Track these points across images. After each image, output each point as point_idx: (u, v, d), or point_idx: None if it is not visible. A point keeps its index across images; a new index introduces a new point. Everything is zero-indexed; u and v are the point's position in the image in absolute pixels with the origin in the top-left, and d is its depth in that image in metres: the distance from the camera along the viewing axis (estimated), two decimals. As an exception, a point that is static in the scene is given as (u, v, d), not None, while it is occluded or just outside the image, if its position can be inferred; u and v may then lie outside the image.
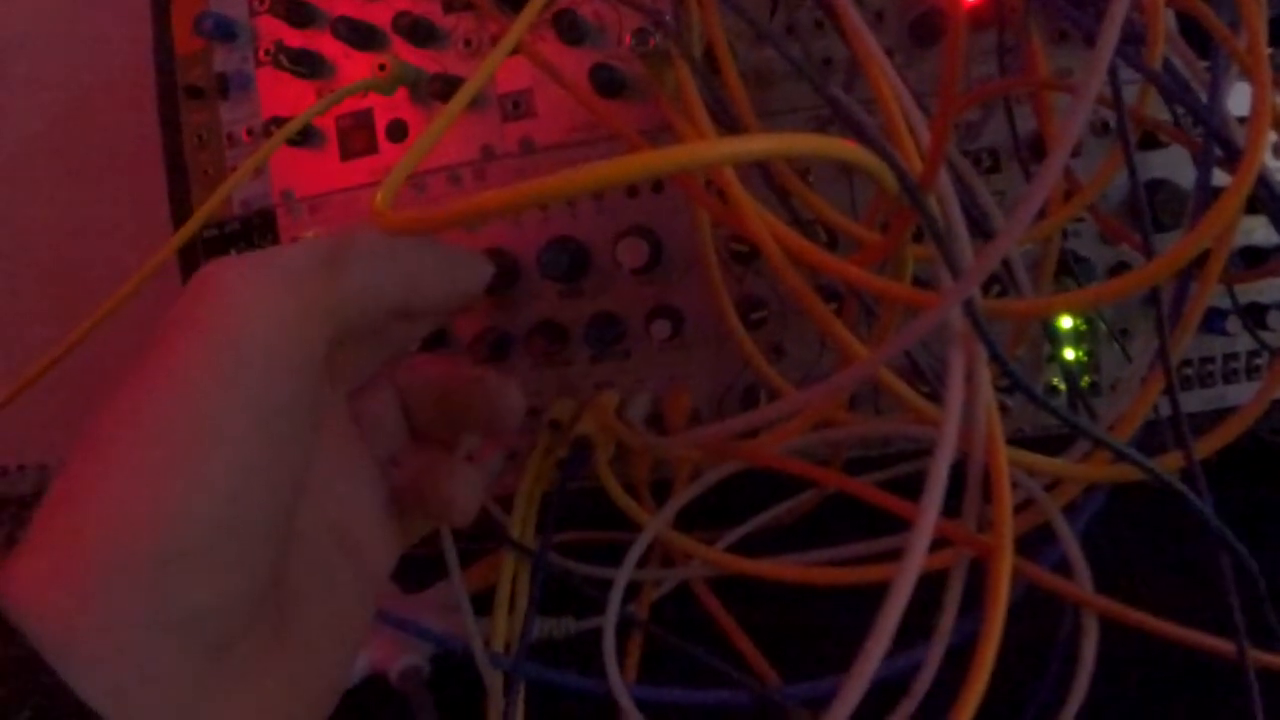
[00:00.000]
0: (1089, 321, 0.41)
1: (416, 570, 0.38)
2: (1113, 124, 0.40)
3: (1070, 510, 0.31)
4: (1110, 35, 0.26)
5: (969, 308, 0.25)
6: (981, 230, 0.32)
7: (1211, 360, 0.43)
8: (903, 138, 0.30)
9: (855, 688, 0.22)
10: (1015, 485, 0.30)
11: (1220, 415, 0.35)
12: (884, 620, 0.23)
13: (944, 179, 0.29)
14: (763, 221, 0.30)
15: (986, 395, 0.27)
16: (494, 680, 0.31)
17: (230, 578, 0.21)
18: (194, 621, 0.20)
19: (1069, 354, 0.40)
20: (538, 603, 0.32)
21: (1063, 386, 0.40)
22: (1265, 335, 0.41)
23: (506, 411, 0.28)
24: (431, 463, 0.28)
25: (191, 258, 0.47)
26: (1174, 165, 0.41)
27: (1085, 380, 0.41)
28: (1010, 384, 0.38)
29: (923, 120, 0.31)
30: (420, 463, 0.28)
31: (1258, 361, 0.43)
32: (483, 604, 0.34)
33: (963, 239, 0.27)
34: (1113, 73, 0.31)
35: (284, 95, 0.46)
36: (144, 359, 0.22)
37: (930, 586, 0.29)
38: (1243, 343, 0.42)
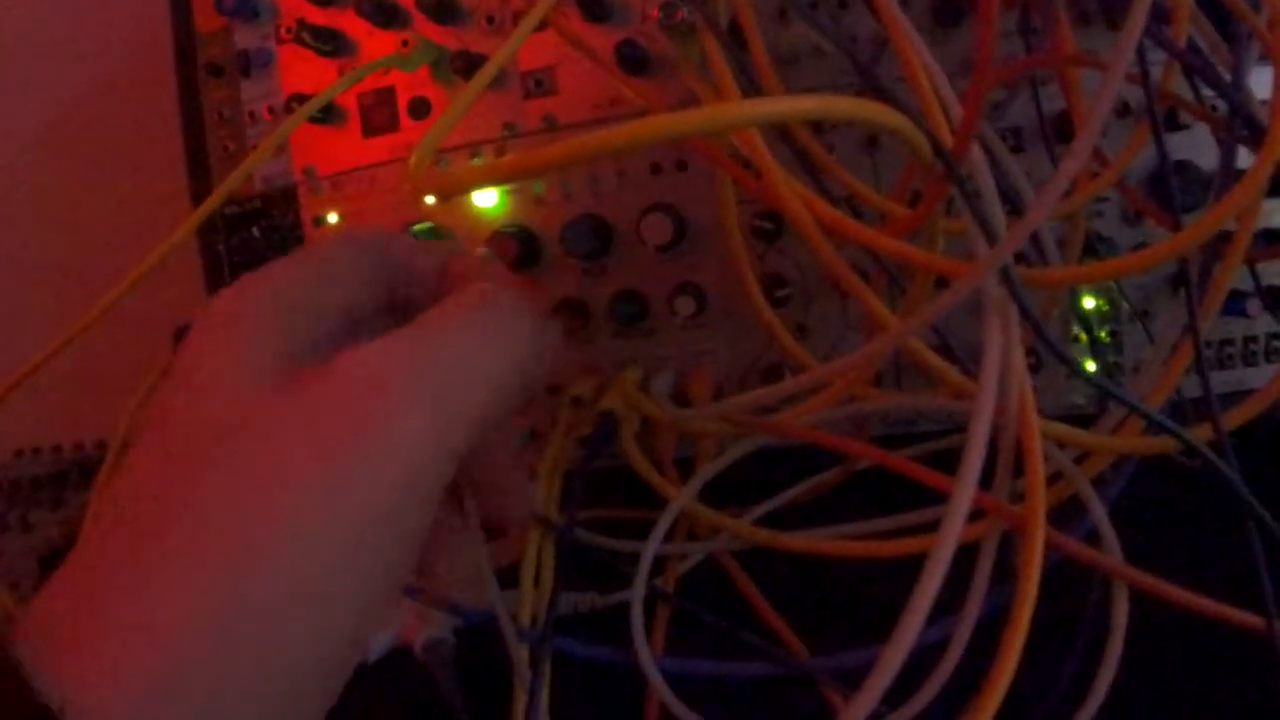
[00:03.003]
0: (1111, 303, 0.41)
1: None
2: (1134, 105, 0.40)
3: (1100, 483, 0.31)
4: (1140, 11, 0.26)
5: (1005, 275, 0.25)
6: (1012, 205, 0.32)
7: (1231, 343, 0.43)
8: (935, 111, 0.30)
9: (894, 658, 0.22)
10: (1046, 458, 0.30)
11: (1240, 398, 0.35)
12: (923, 590, 0.23)
13: (976, 151, 0.28)
14: (794, 191, 0.30)
15: (1020, 366, 0.26)
16: (520, 653, 0.31)
17: None
18: None
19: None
20: (564, 575, 0.32)
21: (1090, 365, 0.40)
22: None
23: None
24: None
25: (211, 235, 0.48)
26: (1196, 147, 0.40)
27: (1111, 360, 0.41)
28: (1037, 363, 0.39)
29: (952, 97, 0.31)
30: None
31: (1278, 344, 0.43)
32: (507, 580, 0.34)
33: (996, 209, 0.27)
34: (1140, 50, 0.31)
35: (305, 73, 0.46)
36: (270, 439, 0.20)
37: (959, 560, 0.29)
38: (1262, 325, 0.42)
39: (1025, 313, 0.25)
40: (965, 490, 0.22)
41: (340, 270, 0.25)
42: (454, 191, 0.25)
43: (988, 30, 0.27)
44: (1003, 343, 0.25)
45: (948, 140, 0.29)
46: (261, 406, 0.20)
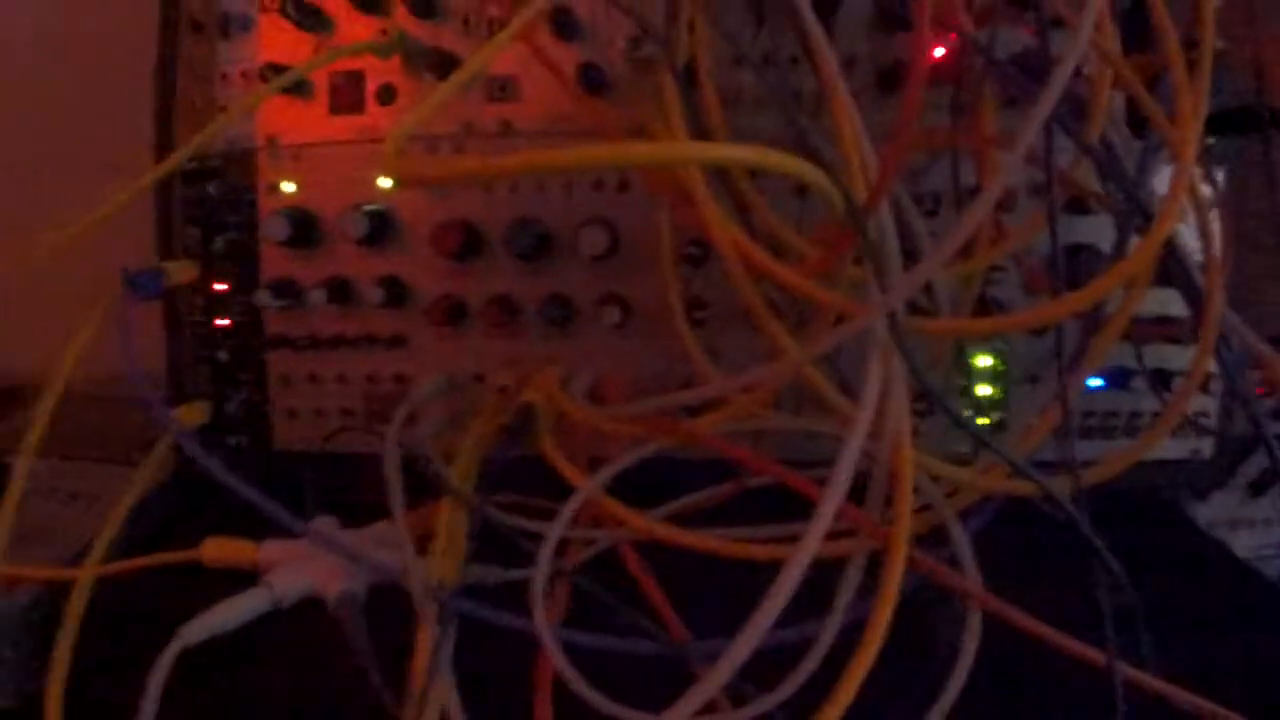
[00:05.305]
0: (1005, 362, 0.45)
1: (361, 512, 0.40)
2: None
3: (966, 515, 0.34)
4: (1046, 103, 0.30)
5: (892, 319, 0.28)
6: (913, 259, 0.36)
7: (1116, 415, 0.48)
8: (855, 169, 0.33)
9: (744, 647, 0.25)
10: (919, 489, 0.34)
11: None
12: (776, 592, 0.25)
13: (884, 209, 0.32)
14: (723, 225, 0.33)
15: (900, 402, 0.30)
16: (428, 613, 0.33)
17: None
18: None
19: (983, 390, 0.44)
20: (475, 544, 0.34)
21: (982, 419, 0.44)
22: (1166, 396, 0.45)
23: None
24: None
25: (167, 186, 0.49)
26: (1100, 231, 0.45)
27: (995, 417, 0.45)
28: (928, 408, 0.43)
29: (873, 158, 0.34)
30: None
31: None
32: (419, 549, 0.36)
33: (894, 260, 0.31)
34: (1048, 137, 0.35)
35: (282, 42, 0.48)
36: None
37: (835, 572, 0.32)
38: (1148, 402, 0.47)
39: (904, 354, 0.29)
40: (830, 502, 0.26)
41: None
42: (418, 181, 0.27)
43: (907, 110, 0.30)
44: (882, 378, 0.28)
45: (862, 196, 0.32)
46: None
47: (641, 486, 0.40)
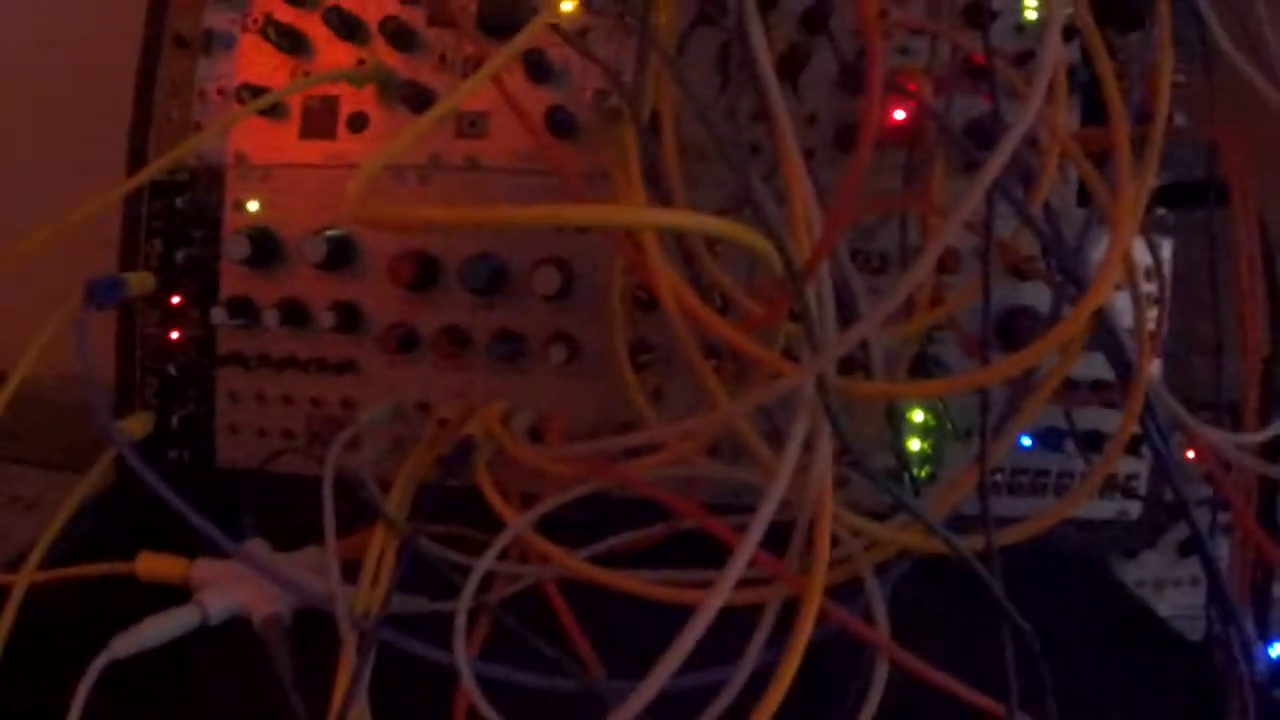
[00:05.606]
0: (939, 419, 0.47)
1: (292, 535, 0.41)
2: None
3: (882, 569, 0.35)
4: (991, 170, 0.30)
5: (820, 381, 0.29)
6: (852, 318, 0.37)
7: (1046, 474, 0.49)
8: (800, 229, 0.34)
9: (650, 687, 0.26)
10: (838, 542, 0.35)
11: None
12: (686, 634, 0.26)
13: (824, 271, 0.33)
14: (668, 277, 0.34)
15: (823, 458, 0.31)
16: (350, 639, 0.33)
17: None
18: None
19: (914, 444, 0.45)
20: (402, 574, 0.35)
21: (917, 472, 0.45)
22: (1093, 458, 0.46)
23: None
24: None
25: (137, 198, 0.49)
26: (1040, 297, 0.46)
27: (925, 470, 0.46)
28: (851, 461, 0.44)
29: (821, 219, 0.35)
30: None
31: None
32: (349, 574, 0.36)
33: (829, 323, 0.32)
34: (990, 204, 0.36)
35: (261, 64, 0.49)
36: None
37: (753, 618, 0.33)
38: (1079, 464, 0.48)
39: (827, 411, 0.29)
40: (744, 550, 0.26)
41: None
42: (380, 226, 0.28)
43: (852, 176, 0.32)
44: (806, 434, 0.29)
45: (805, 256, 0.33)
46: None
47: (578, 525, 0.41)
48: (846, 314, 0.35)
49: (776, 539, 0.34)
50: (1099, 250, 0.42)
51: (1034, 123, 0.41)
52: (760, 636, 0.32)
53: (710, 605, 0.26)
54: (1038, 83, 0.31)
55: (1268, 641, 0.50)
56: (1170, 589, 0.56)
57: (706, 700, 0.31)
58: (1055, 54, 0.33)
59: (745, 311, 0.36)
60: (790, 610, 0.31)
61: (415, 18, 0.48)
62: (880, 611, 0.34)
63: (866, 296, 0.38)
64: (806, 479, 0.31)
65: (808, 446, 0.31)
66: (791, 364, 0.31)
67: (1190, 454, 0.47)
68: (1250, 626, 0.40)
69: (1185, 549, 0.55)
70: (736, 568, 0.26)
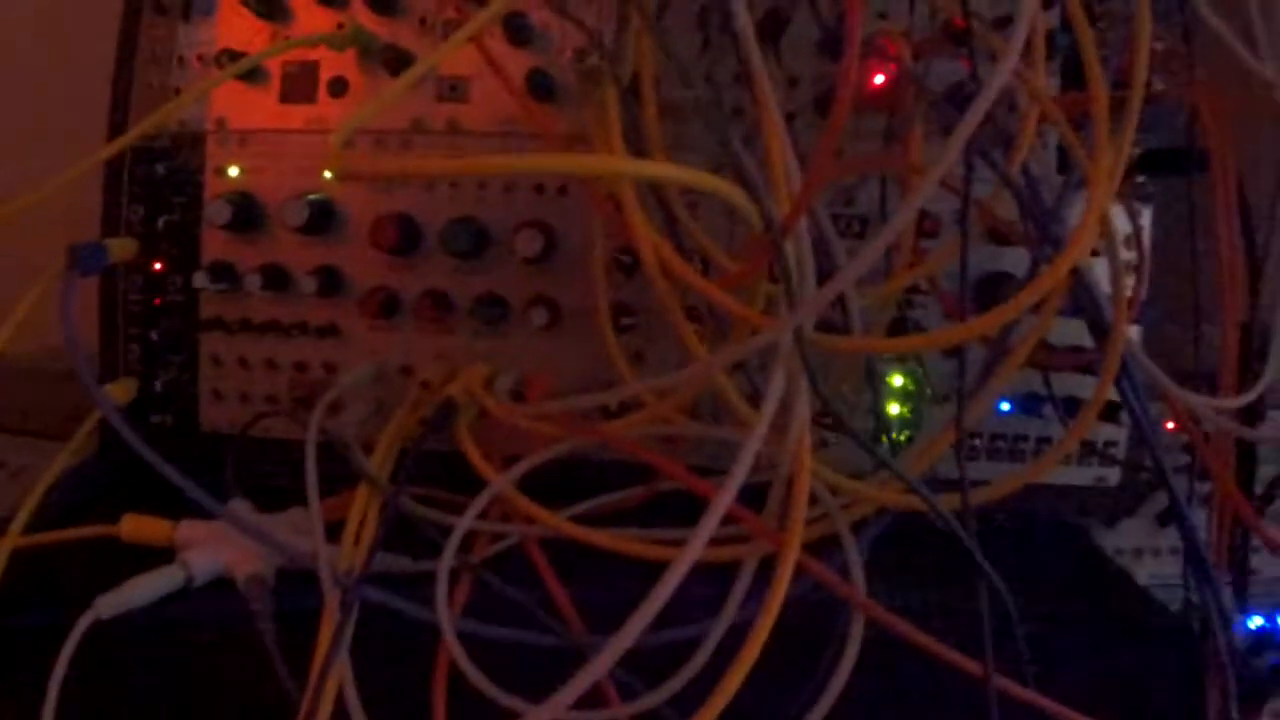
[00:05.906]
0: (918, 383, 0.47)
1: (276, 498, 0.41)
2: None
3: (859, 527, 0.36)
4: (965, 131, 0.30)
5: (798, 334, 0.30)
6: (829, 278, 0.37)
7: (1025, 439, 0.49)
8: (780, 189, 0.34)
9: (623, 641, 0.26)
10: (816, 500, 0.35)
11: (1027, 488, 0.40)
12: (660, 588, 0.26)
13: (803, 229, 0.33)
14: (648, 235, 0.34)
15: (801, 414, 0.31)
16: (333, 597, 0.34)
17: None
18: None
19: (894, 409, 0.46)
20: (385, 538, 0.35)
21: (895, 436, 0.46)
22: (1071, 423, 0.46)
23: None
24: None
25: (118, 165, 0.49)
26: (1020, 263, 0.46)
27: (904, 435, 0.47)
28: (829, 421, 0.44)
29: (798, 180, 0.35)
30: None
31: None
32: (332, 535, 0.37)
33: (808, 279, 0.32)
34: (968, 166, 0.36)
35: (241, 29, 0.48)
36: None
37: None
38: (1058, 429, 0.48)
39: (806, 368, 0.30)
40: (718, 506, 0.27)
41: None
42: (360, 177, 0.28)
43: (829, 135, 0.32)
44: (784, 390, 0.29)
45: (783, 215, 0.33)
46: None
47: (560, 485, 0.41)
48: (825, 274, 0.36)
49: (757, 501, 0.35)
50: (1077, 213, 0.43)
51: (1014, 85, 0.41)
52: (738, 591, 0.32)
53: (686, 558, 0.26)
54: (1014, 39, 0.32)
55: (1246, 613, 0.51)
56: (1149, 558, 0.57)
57: (686, 655, 0.32)
58: (1032, 13, 0.33)
59: (725, 271, 0.36)
60: (768, 567, 0.31)
61: (396, -19, 0.48)
62: (857, 568, 0.35)
63: (846, 258, 0.38)
64: (785, 436, 0.31)
65: (786, 403, 0.31)
66: (770, 319, 0.31)
67: (1169, 425, 0.48)
68: (1228, 596, 0.41)
69: (1164, 519, 0.56)
70: (712, 519, 0.27)
